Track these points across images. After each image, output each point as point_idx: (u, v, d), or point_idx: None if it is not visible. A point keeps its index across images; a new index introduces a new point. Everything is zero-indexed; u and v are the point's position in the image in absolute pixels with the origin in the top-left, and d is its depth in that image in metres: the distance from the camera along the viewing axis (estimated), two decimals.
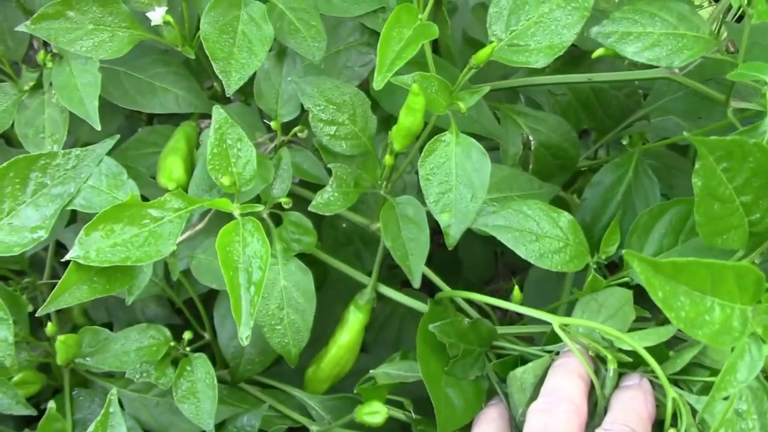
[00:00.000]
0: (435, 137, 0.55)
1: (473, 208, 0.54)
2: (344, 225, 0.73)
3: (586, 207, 0.70)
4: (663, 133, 0.83)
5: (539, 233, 0.55)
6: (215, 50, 0.55)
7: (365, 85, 0.67)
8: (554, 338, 0.52)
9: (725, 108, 0.63)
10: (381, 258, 0.63)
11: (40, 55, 0.60)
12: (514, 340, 0.59)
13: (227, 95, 0.56)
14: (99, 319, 0.72)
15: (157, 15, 0.58)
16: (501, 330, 0.58)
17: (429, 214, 0.58)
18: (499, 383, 0.56)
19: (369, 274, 0.64)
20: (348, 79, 0.66)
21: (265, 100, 0.62)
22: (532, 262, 0.54)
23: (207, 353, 0.60)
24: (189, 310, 0.66)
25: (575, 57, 0.72)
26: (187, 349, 0.60)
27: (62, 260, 0.50)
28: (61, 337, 0.56)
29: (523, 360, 0.55)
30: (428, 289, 0.63)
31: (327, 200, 0.57)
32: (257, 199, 0.58)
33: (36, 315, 0.52)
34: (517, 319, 0.64)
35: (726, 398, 0.39)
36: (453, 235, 0.55)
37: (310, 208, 0.57)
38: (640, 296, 0.56)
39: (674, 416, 0.47)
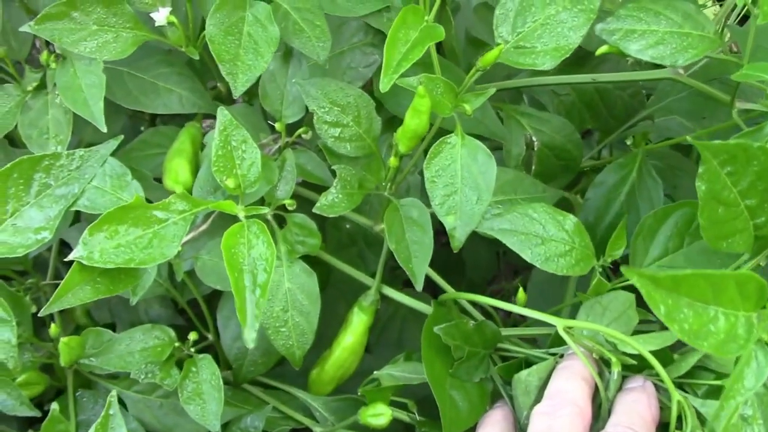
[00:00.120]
0: (441, 139, 0.55)
1: (478, 210, 0.54)
2: (348, 226, 0.72)
3: (589, 207, 0.70)
4: (666, 133, 0.83)
5: (545, 236, 0.55)
6: (221, 52, 0.55)
7: (369, 86, 0.67)
8: (558, 341, 0.52)
9: (730, 108, 0.63)
10: (384, 260, 0.63)
11: (44, 56, 0.59)
12: (519, 342, 0.59)
13: (234, 97, 0.56)
14: (102, 320, 0.72)
15: (161, 16, 0.58)
16: (505, 332, 0.58)
17: (432, 214, 0.58)
18: (504, 385, 0.56)
19: (372, 275, 0.64)
20: (352, 79, 0.66)
21: (270, 101, 0.62)
22: (538, 266, 0.54)
23: (210, 354, 0.60)
24: (192, 310, 0.66)
25: (579, 57, 0.72)
26: (192, 350, 0.60)
27: (65, 260, 0.50)
28: (64, 339, 0.56)
29: (528, 363, 0.55)
30: (431, 289, 0.63)
31: (331, 202, 0.57)
32: (261, 201, 0.58)
33: (39, 315, 0.52)
34: (521, 320, 0.63)
35: None
36: (458, 237, 0.55)
37: (314, 210, 0.57)
38: (644, 301, 0.56)
39: (679, 419, 0.47)
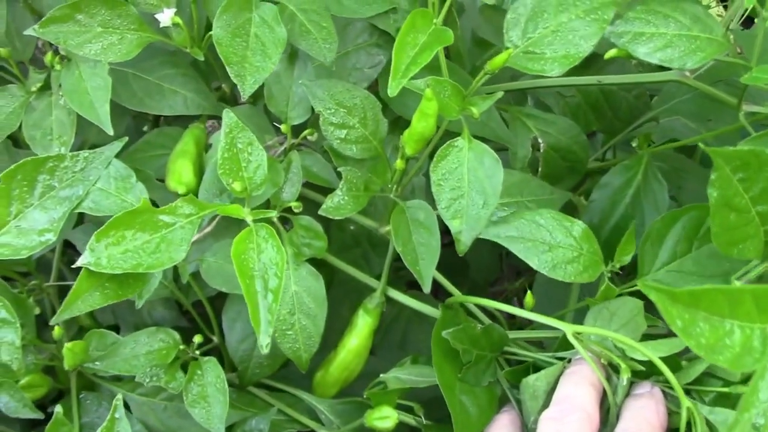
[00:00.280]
0: (447, 143, 0.54)
1: (485, 214, 0.54)
2: (352, 227, 0.72)
3: (594, 209, 0.70)
4: (670, 134, 0.82)
5: (552, 243, 0.55)
6: (229, 54, 0.55)
7: (374, 87, 0.67)
8: (566, 345, 0.52)
9: (735, 111, 0.63)
10: (390, 262, 0.63)
11: (48, 57, 0.59)
12: (526, 345, 0.59)
13: (242, 99, 0.55)
14: (105, 322, 0.71)
15: (166, 17, 0.58)
16: (511, 335, 0.58)
17: (438, 216, 0.57)
18: (511, 389, 0.55)
19: (376, 276, 0.64)
20: (357, 80, 0.66)
21: (275, 102, 0.61)
22: (545, 274, 0.54)
23: (214, 356, 0.60)
24: (196, 312, 0.66)
25: (585, 59, 0.71)
26: (197, 352, 0.60)
27: (73, 266, 0.50)
28: (68, 345, 0.56)
29: (535, 366, 0.55)
30: (434, 289, 0.62)
31: (337, 204, 0.57)
32: (266, 203, 0.58)
33: (50, 324, 0.52)
34: (527, 322, 0.63)
35: None
36: (464, 241, 0.54)
37: (320, 212, 0.56)
38: (652, 305, 0.56)
39: (687, 425, 0.47)
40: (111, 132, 0.55)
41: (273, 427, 0.62)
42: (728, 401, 0.49)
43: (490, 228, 0.56)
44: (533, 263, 0.54)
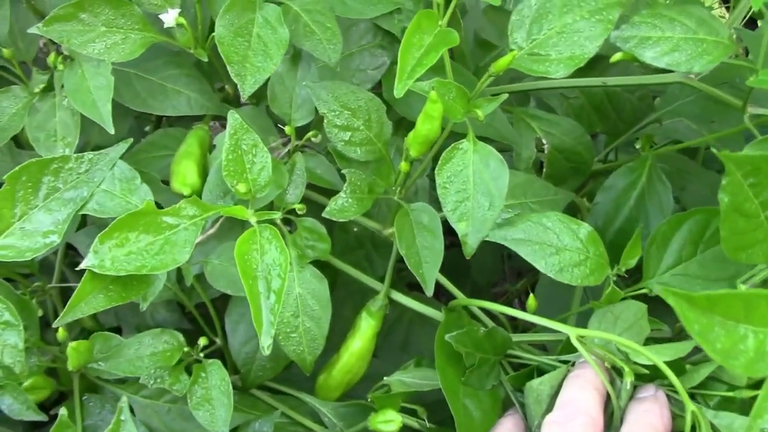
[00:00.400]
0: (452, 145, 0.54)
1: (491, 216, 0.54)
2: (355, 229, 0.72)
3: (598, 211, 0.70)
4: (673, 136, 0.82)
5: (559, 246, 0.55)
6: (230, 54, 0.54)
7: (377, 88, 0.67)
8: (569, 348, 0.52)
9: (740, 113, 0.63)
10: (393, 264, 0.62)
11: (51, 57, 0.59)
12: (529, 348, 0.58)
13: (242, 99, 0.55)
14: (107, 323, 0.71)
15: (170, 17, 0.58)
16: (514, 338, 0.58)
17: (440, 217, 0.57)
18: (515, 392, 0.55)
19: (379, 278, 0.64)
20: (361, 81, 0.66)
21: (278, 104, 0.61)
22: (552, 277, 0.53)
23: (217, 358, 0.60)
24: (199, 314, 0.66)
25: (589, 60, 0.71)
26: (201, 354, 0.60)
27: (77, 269, 0.50)
28: (73, 344, 0.56)
29: (539, 370, 0.55)
30: (435, 291, 0.62)
31: (341, 206, 0.57)
32: (270, 205, 0.58)
33: (53, 326, 0.51)
34: (529, 325, 0.63)
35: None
36: (471, 244, 0.54)
37: (324, 215, 0.56)
38: (657, 309, 0.56)
39: (692, 429, 0.47)
40: (112, 131, 0.55)
41: (276, 430, 0.62)
42: (733, 405, 0.49)
43: (496, 230, 0.55)
44: (540, 266, 0.54)
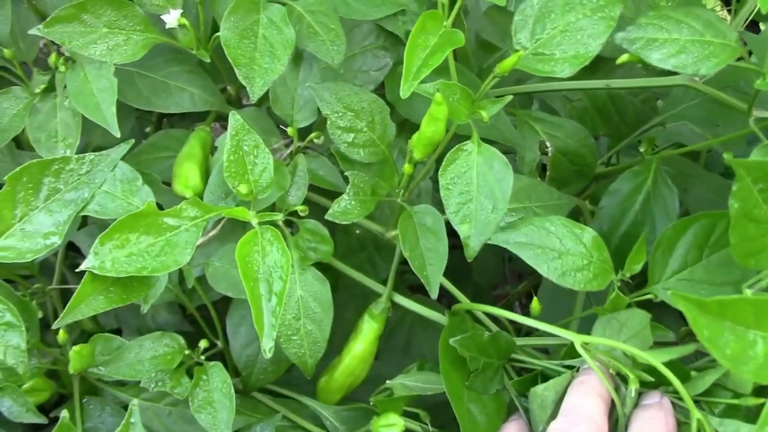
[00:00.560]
0: (456, 147, 0.54)
1: (494, 219, 0.53)
2: (358, 231, 0.72)
3: (603, 215, 0.69)
4: (676, 139, 0.82)
5: (562, 250, 0.54)
6: (237, 56, 0.54)
7: (380, 89, 0.66)
8: (573, 353, 0.51)
9: (744, 116, 0.62)
10: (396, 267, 0.62)
11: (52, 58, 0.58)
12: (532, 352, 0.58)
13: (251, 101, 0.55)
14: (108, 325, 0.71)
15: (172, 18, 0.57)
16: (518, 341, 0.58)
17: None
18: (519, 397, 0.55)
19: (381, 281, 0.63)
20: (363, 83, 0.65)
21: (281, 105, 0.61)
22: (554, 281, 0.53)
23: (218, 361, 0.59)
24: (200, 316, 0.65)
25: (593, 62, 0.70)
26: (202, 357, 0.60)
27: (77, 270, 0.49)
28: (75, 348, 0.55)
29: (543, 374, 0.54)
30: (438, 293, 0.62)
31: (344, 209, 0.57)
32: (272, 207, 0.57)
33: (52, 327, 0.51)
34: (532, 328, 0.63)
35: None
36: (473, 246, 0.54)
37: (327, 217, 0.56)
38: (661, 314, 0.55)
39: None
40: (117, 134, 0.55)
41: None
42: (738, 413, 0.49)
43: (498, 233, 0.55)
44: (542, 270, 0.54)
